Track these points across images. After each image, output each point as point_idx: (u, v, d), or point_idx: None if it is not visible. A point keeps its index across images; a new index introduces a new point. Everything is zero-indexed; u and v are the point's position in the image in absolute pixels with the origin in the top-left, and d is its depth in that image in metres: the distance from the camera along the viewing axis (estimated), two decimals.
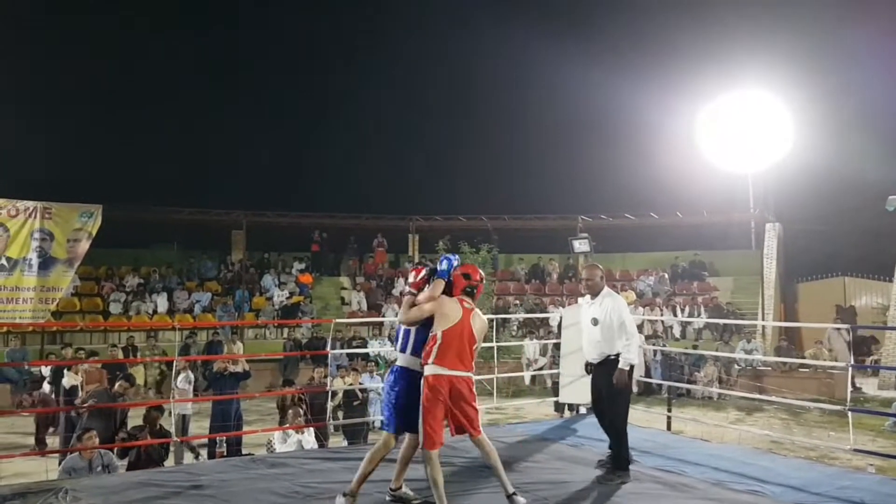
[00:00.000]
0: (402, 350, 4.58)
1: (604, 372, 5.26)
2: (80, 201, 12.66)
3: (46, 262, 11.66)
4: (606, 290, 5.47)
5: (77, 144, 21.40)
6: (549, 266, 21.65)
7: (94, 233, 12.29)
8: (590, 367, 5.50)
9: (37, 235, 11.57)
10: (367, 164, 26.69)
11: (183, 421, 9.02)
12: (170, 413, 7.65)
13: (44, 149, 20.32)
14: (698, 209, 20.06)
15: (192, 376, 9.50)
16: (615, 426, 5.27)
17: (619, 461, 5.18)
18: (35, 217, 11.56)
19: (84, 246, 12.22)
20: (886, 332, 16.64)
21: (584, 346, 5.53)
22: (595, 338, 5.32)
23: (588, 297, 5.54)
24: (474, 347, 4.47)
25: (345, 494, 4.42)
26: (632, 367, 5.21)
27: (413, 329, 4.54)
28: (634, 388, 7.02)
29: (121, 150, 22.97)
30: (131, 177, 22.75)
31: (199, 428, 9.90)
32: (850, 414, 6.41)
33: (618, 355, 5.19)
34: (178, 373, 9.01)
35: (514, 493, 4.29)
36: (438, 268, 4.67)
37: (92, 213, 12.31)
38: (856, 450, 6.39)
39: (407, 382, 4.46)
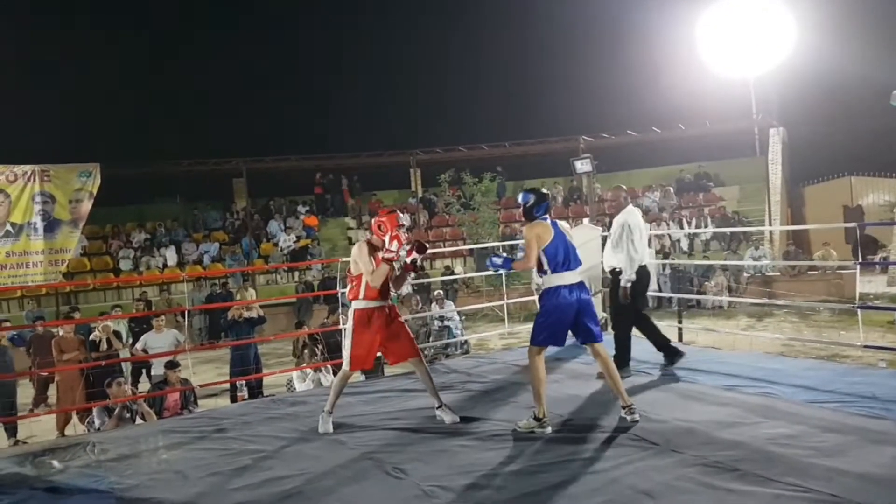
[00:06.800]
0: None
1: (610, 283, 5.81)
2: (77, 161, 12.59)
3: (51, 225, 11.62)
4: (629, 207, 5.79)
5: (69, 104, 21.08)
6: (553, 189, 21.49)
7: (94, 192, 12.22)
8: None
9: (38, 199, 11.49)
10: (363, 101, 26.26)
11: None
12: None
13: (35, 111, 20.04)
14: (701, 120, 19.69)
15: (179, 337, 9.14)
16: (619, 333, 5.81)
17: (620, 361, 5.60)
18: (34, 181, 11.46)
19: (86, 205, 12.16)
20: (894, 229, 16.57)
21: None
22: (606, 251, 5.78)
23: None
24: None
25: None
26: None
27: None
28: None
29: (114, 108, 22.64)
30: (127, 133, 22.52)
31: (220, 375, 10.10)
32: (859, 312, 6.45)
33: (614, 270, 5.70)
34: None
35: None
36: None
37: (90, 171, 12.20)
38: (866, 346, 6.45)
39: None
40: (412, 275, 5.02)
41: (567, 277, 4.48)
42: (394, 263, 4.72)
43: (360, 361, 4.81)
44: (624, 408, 4.48)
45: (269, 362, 11.04)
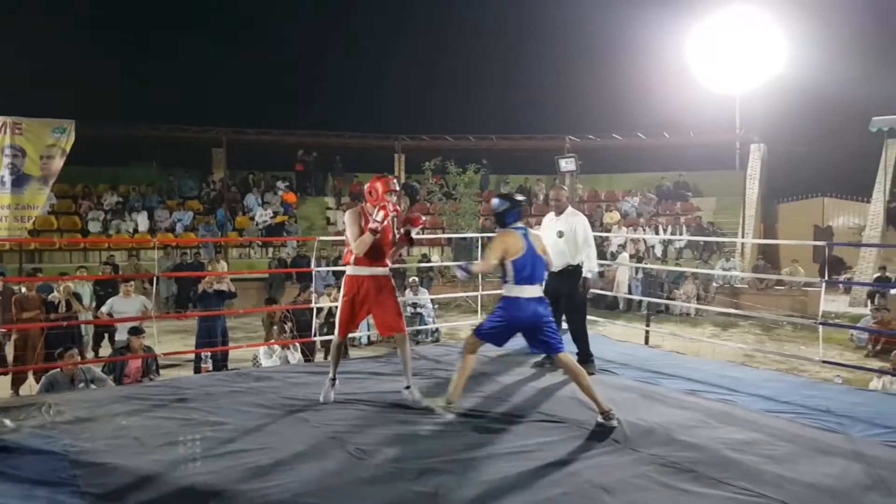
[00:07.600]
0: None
1: (566, 279, 5.79)
2: (53, 117, 12.29)
3: (20, 180, 11.32)
4: (570, 208, 6.04)
5: (48, 58, 20.58)
6: (535, 187, 21.57)
7: (67, 149, 11.92)
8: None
9: (8, 152, 11.17)
10: (352, 81, 26.06)
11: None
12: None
13: (13, 63, 19.54)
14: (685, 130, 19.89)
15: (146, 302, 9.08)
16: (578, 327, 5.91)
17: (585, 356, 5.81)
18: (5, 133, 11.14)
19: (58, 163, 11.87)
20: (860, 251, 16.95)
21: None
22: (560, 249, 5.76)
23: (552, 214, 6.05)
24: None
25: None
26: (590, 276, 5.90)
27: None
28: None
29: (95, 65, 22.14)
30: (106, 92, 22.05)
31: (185, 345, 10.00)
32: (820, 328, 6.59)
33: (580, 265, 5.80)
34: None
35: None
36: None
37: (65, 128, 11.90)
38: (825, 362, 6.61)
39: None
40: (408, 245, 5.04)
41: (528, 291, 4.52)
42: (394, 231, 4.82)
43: (344, 327, 4.85)
44: (601, 414, 4.35)
45: (237, 336, 10.97)
